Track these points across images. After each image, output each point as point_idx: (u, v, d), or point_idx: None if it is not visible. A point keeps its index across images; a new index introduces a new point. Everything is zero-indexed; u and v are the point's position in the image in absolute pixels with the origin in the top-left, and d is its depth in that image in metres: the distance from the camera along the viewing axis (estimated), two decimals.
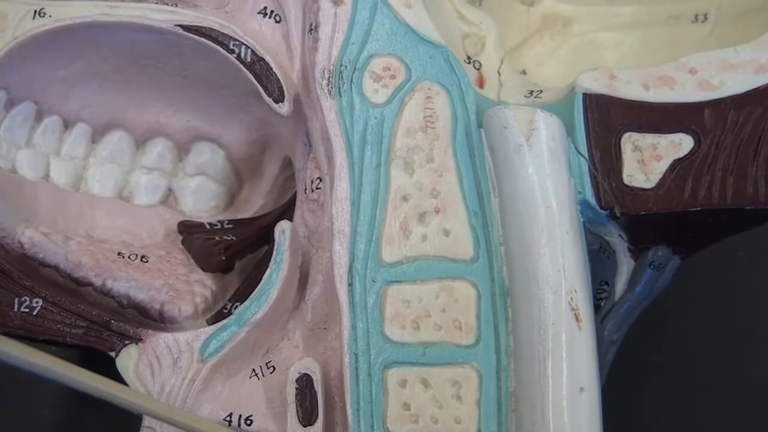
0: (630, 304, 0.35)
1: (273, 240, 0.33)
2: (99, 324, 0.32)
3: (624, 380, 0.34)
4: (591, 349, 0.30)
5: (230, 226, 0.37)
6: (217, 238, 0.36)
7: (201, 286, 0.34)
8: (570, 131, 0.32)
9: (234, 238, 0.36)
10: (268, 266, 0.32)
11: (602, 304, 0.35)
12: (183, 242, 0.36)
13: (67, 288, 0.33)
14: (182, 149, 0.39)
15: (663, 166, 0.32)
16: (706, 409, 0.41)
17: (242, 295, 0.33)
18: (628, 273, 0.35)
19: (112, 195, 0.37)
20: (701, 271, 0.42)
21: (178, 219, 0.37)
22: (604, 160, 0.32)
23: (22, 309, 0.32)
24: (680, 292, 0.40)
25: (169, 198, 0.38)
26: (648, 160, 0.32)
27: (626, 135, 0.32)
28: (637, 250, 0.34)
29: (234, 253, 0.36)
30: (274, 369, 0.32)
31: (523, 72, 0.39)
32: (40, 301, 0.32)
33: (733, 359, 0.42)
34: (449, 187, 0.32)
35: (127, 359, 0.32)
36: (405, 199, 0.32)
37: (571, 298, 0.30)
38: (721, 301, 0.43)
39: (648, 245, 0.34)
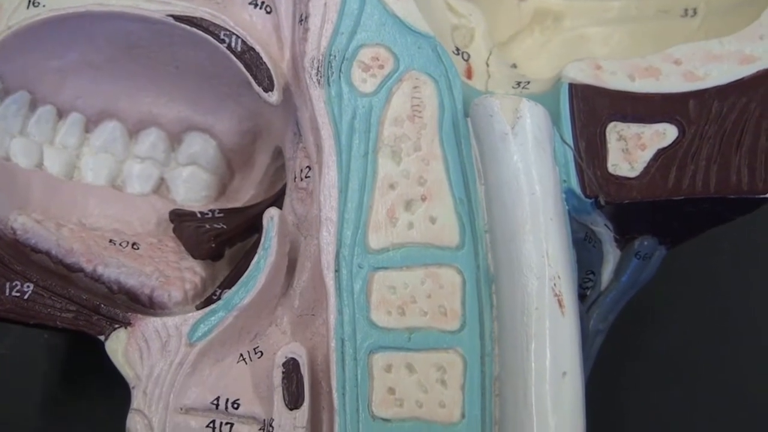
0: (616, 293, 0.35)
1: (261, 228, 0.33)
2: (89, 308, 0.32)
3: (608, 369, 0.35)
4: (574, 335, 0.30)
5: (221, 215, 0.37)
6: (207, 226, 0.36)
7: (191, 272, 0.34)
8: (556, 121, 0.32)
9: (224, 227, 0.36)
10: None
11: (588, 293, 0.35)
12: (174, 230, 0.36)
13: (59, 274, 0.34)
14: (174, 139, 0.39)
15: (647, 155, 0.32)
16: (688, 400, 0.42)
17: (231, 282, 0.33)
18: (615, 263, 0.35)
19: (105, 184, 0.38)
20: (685, 262, 0.42)
21: (170, 208, 0.38)
22: (589, 150, 0.32)
23: (14, 293, 0.32)
24: (664, 284, 0.40)
25: (161, 187, 0.39)
26: (632, 149, 0.32)
27: (611, 125, 0.32)
28: (623, 240, 0.34)
29: (224, 241, 0.36)
30: (262, 354, 0.33)
31: (514, 66, 0.39)
32: (31, 286, 0.32)
33: (714, 350, 0.42)
34: (436, 175, 0.32)
35: (116, 342, 0.32)
36: (392, 186, 0.32)
37: (555, 284, 0.30)
38: (704, 292, 0.44)
39: (634, 235, 0.34)
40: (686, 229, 0.35)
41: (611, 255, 0.35)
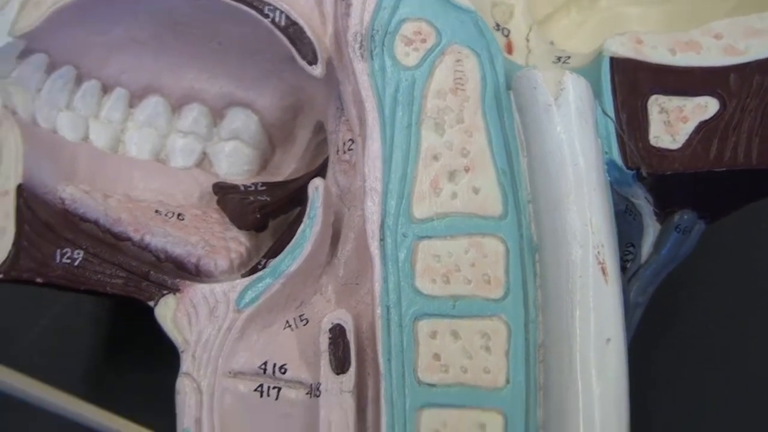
0: (655, 266, 0.35)
1: (305, 200, 0.34)
2: (138, 275, 0.33)
3: (647, 342, 0.35)
4: (617, 303, 0.30)
5: (264, 188, 0.37)
6: (251, 198, 0.37)
7: (236, 242, 0.35)
8: (597, 94, 0.33)
9: (268, 199, 0.37)
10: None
11: (628, 266, 0.35)
12: (218, 202, 0.37)
13: (107, 242, 0.34)
14: (217, 114, 0.40)
15: (689, 127, 0.32)
16: (724, 376, 0.42)
17: (276, 251, 0.34)
18: (654, 236, 0.35)
19: (149, 157, 0.38)
20: (725, 237, 0.42)
21: (213, 182, 0.38)
22: (631, 122, 0.32)
23: (64, 260, 0.33)
24: (703, 259, 0.41)
25: (203, 161, 0.39)
26: (674, 121, 0.32)
27: (653, 98, 0.33)
28: (662, 213, 0.35)
29: (268, 212, 0.37)
30: (307, 321, 0.33)
31: (551, 43, 0.40)
32: (81, 253, 0.33)
33: (752, 327, 0.43)
34: (479, 147, 0.33)
35: (165, 308, 0.33)
36: (435, 158, 0.33)
37: (598, 252, 0.30)
38: (743, 268, 0.44)
39: (674, 209, 0.35)
40: (726, 203, 0.35)
41: (651, 228, 0.35)
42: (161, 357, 0.34)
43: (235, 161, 0.39)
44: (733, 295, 0.43)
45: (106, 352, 0.43)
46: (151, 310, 0.33)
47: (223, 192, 0.37)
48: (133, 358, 0.42)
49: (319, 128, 0.39)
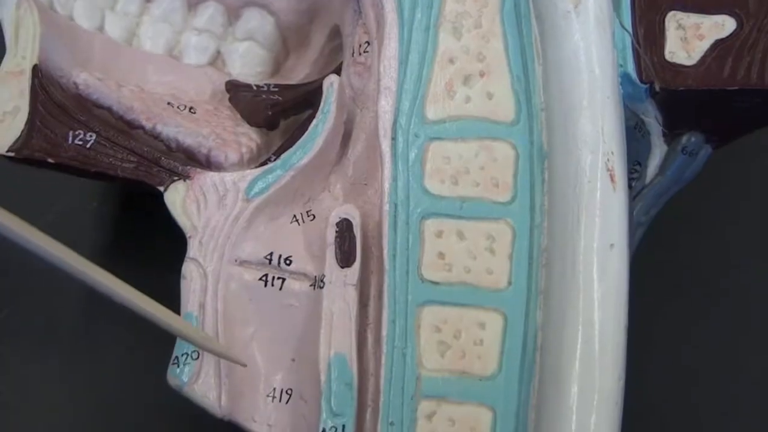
0: (660, 187, 0.36)
1: (317, 104, 0.34)
2: (149, 160, 0.33)
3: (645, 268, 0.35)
4: (623, 210, 0.31)
5: (276, 89, 0.38)
6: (264, 96, 0.37)
7: (247, 138, 0.35)
8: (616, 7, 0.33)
9: (280, 99, 0.37)
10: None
11: (633, 184, 0.36)
12: (230, 99, 0.37)
13: (119, 129, 0.34)
14: (233, 14, 0.39)
15: (705, 45, 0.32)
16: (722, 304, 0.42)
17: (286, 149, 0.34)
18: (661, 157, 0.35)
19: (163, 53, 0.38)
20: (730, 173, 0.43)
21: (225, 80, 0.38)
22: (648, 36, 0.33)
23: (77, 141, 0.33)
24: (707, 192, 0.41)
25: (217, 60, 0.39)
26: (690, 38, 0.32)
27: (671, 13, 0.33)
28: (671, 134, 0.35)
29: (279, 111, 0.37)
30: (314, 217, 0.33)
31: None
32: (94, 135, 0.33)
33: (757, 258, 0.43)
34: (495, 53, 0.33)
35: (174, 194, 0.33)
36: (451, 61, 0.33)
37: (608, 159, 0.31)
38: (746, 200, 0.44)
39: (682, 130, 0.35)
40: (735, 127, 0.35)
41: (658, 149, 0.35)
42: (164, 257, 0.34)
43: (248, 62, 0.39)
44: (735, 229, 0.44)
45: (109, 249, 0.43)
46: (159, 199, 0.34)
47: (236, 89, 0.37)
48: (136, 257, 0.42)
49: (335, 34, 0.39)
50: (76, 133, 0.33)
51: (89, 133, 0.33)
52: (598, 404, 0.29)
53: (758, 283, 0.42)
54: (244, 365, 0.31)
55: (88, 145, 0.33)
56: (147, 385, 0.39)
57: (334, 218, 0.32)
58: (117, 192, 0.44)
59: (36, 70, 0.34)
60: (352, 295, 0.31)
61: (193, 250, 0.32)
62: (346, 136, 0.34)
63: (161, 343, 0.33)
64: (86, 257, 0.43)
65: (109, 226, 0.44)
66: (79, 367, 0.41)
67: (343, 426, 0.30)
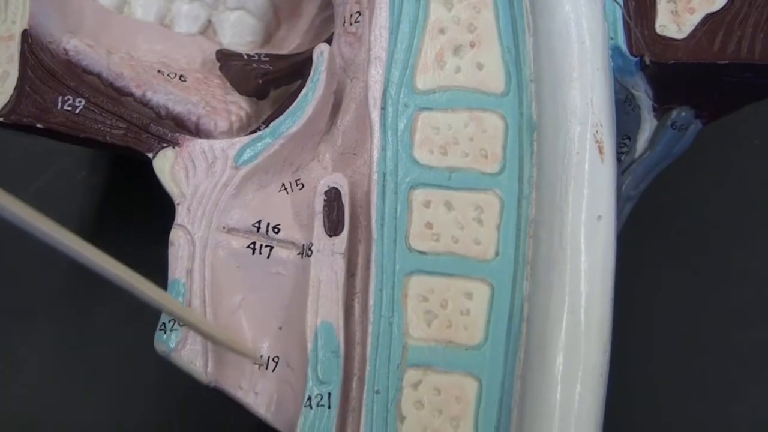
0: (649, 162, 0.36)
1: (307, 74, 0.34)
2: (138, 126, 0.33)
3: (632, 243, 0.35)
4: (611, 182, 0.31)
5: (267, 58, 0.37)
6: (254, 65, 0.37)
7: (236, 106, 0.35)
8: None
9: (271, 68, 0.37)
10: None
11: (623, 158, 0.36)
12: (221, 68, 0.37)
13: (109, 96, 0.34)
14: None
15: (695, 18, 0.32)
16: (704, 278, 0.43)
17: (276, 116, 0.34)
18: (650, 131, 0.35)
19: (154, 21, 0.38)
20: (714, 153, 0.43)
21: (216, 49, 0.38)
22: (639, 9, 0.32)
23: (65, 107, 0.33)
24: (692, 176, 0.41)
25: (208, 29, 0.39)
26: (681, 12, 0.32)
27: None
28: (661, 109, 0.35)
29: (270, 80, 0.37)
30: (303, 186, 0.33)
31: None
32: (83, 101, 0.33)
33: (735, 239, 0.43)
34: (486, 24, 0.33)
35: (163, 161, 0.33)
36: (442, 31, 0.33)
37: (597, 131, 0.31)
38: (735, 186, 0.44)
39: (672, 105, 0.35)
40: (725, 102, 0.35)
41: (648, 123, 0.35)
42: (152, 230, 0.34)
43: (239, 31, 0.39)
44: (717, 211, 0.44)
45: (97, 218, 0.43)
46: (148, 167, 0.34)
47: (226, 58, 0.37)
48: (124, 227, 0.42)
49: (326, 4, 0.39)
50: (65, 98, 0.33)
51: (78, 99, 0.33)
52: (584, 375, 0.29)
53: (744, 259, 0.43)
54: (233, 349, 0.31)
55: (77, 111, 0.33)
56: (139, 355, 0.39)
57: (322, 187, 0.32)
58: (105, 161, 0.44)
59: (26, 36, 0.34)
60: (340, 263, 0.31)
61: (181, 216, 0.32)
62: (335, 105, 0.34)
63: (151, 312, 0.33)
64: (75, 226, 0.43)
65: (98, 195, 0.44)
66: (69, 338, 0.41)
67: (329, 394, 0.30)
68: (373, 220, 0.31)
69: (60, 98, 0.33)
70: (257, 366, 0.32)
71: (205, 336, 0.30)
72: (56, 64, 0.34)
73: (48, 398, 0.40)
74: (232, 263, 0.32)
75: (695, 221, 0.43)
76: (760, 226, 0.43)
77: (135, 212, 0.41)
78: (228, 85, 0.36)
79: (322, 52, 0.33)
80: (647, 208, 0.36)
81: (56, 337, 0.41)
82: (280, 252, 0.32)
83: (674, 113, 0.35)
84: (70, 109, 0.33)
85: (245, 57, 0.37)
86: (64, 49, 0.34)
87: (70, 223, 0.43)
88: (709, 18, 0.32)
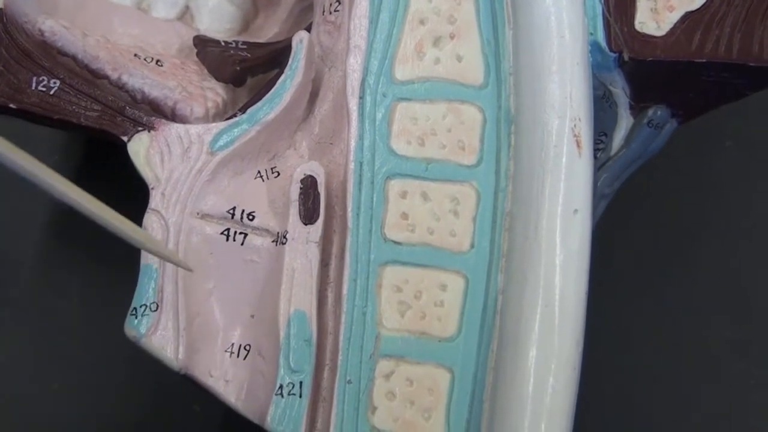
0: (625, 159, 0.36)
1: (285, 63, 0.33)
2: (114, 109, 0.33)
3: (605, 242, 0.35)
4: (588, 176, 0.31)
5: (244, 46, 0.37)
6: (232, 52, 0.36)
7: (213, 92, 0.35)
8: None
9: (248, 55, 0.36)
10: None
11: (599, 155, 0.36)
12: (198, 54, 0.37)
13: (84, 78, 0.34)
14: None
15: (675, 16, 0.33)
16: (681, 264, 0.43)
17: (253, 103, 0.34)
18: (627, 129, 0.36)
19: (131, 4, 0.38)
20: (687, 157, 0.43)
21: (193, 35, 0.38)
22: (619, 6, 0.33)
23: (40, 87, 0.33)
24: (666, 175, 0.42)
25: (185, 15, 0.39)
26: (661, 9, 0.32)
27: None
28: (637, 107, 0.35)
29: (247, 67, 0.36)
30: (279, 174, 0.33)
31: None
32: (58, 82, 0.33)
33: (705, 240, 0.44)
34: (466, 16, 0.33)
35: (138, 144, 0.33)
36: (422, 22, 0.33)
37: (575, 125, 0.31)
38: (707, 187, 0.45)
39: (649, 103, 0.35)
40: (700, 102, 0.35)
41: (624, 120, 0.35)
42: (124, 209, 0.34)
43: (217, 17, 0.39)
44: (692, 213, 0.44)
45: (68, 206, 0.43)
46: (122, 152, 0.33)
47: (204, 44, 0.37)
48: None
49: None
50: (40, 79, 0.33)
51: (53, 80, 0.33)
52: (556, 368, 0.29)
53: (715, 261, 0.43)
54: (191, 270, 0.30)
55: (51, 92, 0.32)
56: (105, 347, 0.39)
57: (298, 175, 0.32)
58: (78, 146, 0.44)
59: (0, 15, 0.33)
60: (315, 252, 0.31)
61: (155, 201, 0.32)
62: (313, 94, 0.34)
63: (119, 295, 0.32)
64: (46, 212, 0.43)
65: (70, 180, 0.43)
66: (36, 332, 0.41)
67: (301, 383, 0.30)
68: (349, 210, 0.31)
69: (34, 78, 0.33)
70: (228, 353, 0.32)
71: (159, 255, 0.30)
72: (31, 45, 0.33)
73: (17, 391, 0.39)
74: (205, 249, 0.32)
75: (667, 221, 0.43)
76: (731, 227, 0.44)
77: (108, 197, 0.40)
78: (205, 71, 0.36)
79: (301, 40, 0.33)
80: (620, 207, 0.36)
81: (24, 331, 0.41)
82: (254, 239, 0.32)
83: (650, 111, 0.35)
84: (44, 89, 0.32)
85: (223, 44, 0.37)
86: (40, 30, 0.34)
87: (42, 209, 0.43)
88: (688, 16, 0.32)
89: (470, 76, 0.32)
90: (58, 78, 0.33)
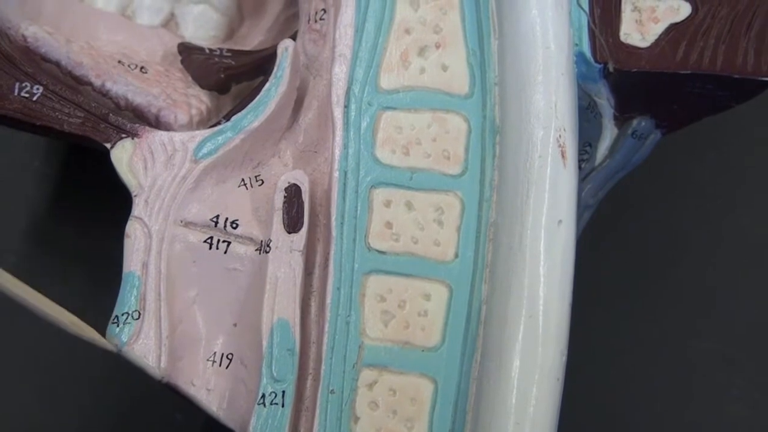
0: (609, 170, 0.36)
1: (270, 71, 0.33)
2: (97, 115, 0.32)
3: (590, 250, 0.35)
4: (573, 187, 0.31)
5: (229, 54, 0.37)
6: (217, 59, 0.36)
7: (197, 100, 0.34)
8: None
9: (233, 63, 0.36)
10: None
11: (583, 166, 0.36)
12: (182, 61, 0.36)
13: (67, 84, 0.34)
14: None
15: (659, 28, 0.33)
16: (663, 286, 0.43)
17: (238, 111, 0.33)
18: (611, 140, 0.36)
19: (115, 11, 0.38)
20: (669, 168, 0.43)
21: (177, 42, 0.38)
22: (604, 17, 0.33)
23: (23, 94, 0.32)
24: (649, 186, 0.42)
25: (170, 22, 0.39)
26: (646, 21, 0.33)
27: None
28: (622, 118, 0.35)
29: (232, 75, 0.36)
30: (263, 182, 0.33)
31: None
32: (41, 89, 0.32)
33: (688, 251, 0.44)
34: (452, 25, 0.33)
35: (121, 152, 0.32)
36: (408, 31, 0.33)
37: (560, 136, 0.31)
38: (689, 197, 0.45)
39: (633, 114, 0.35)
40: (684, 113, 0.35)
41: (609, 131, 0.36)
42: (106, 217, 0.34)
43: (202, 25, 0.39)
44: (674, 222, 0.44)
45: (50, 209, 0.43)
46: (104, 159, 0.33)
47: (188, 52, 0.37)
48: (77, 217, 0.42)
49: (290, 2, 0.39)
50: (23, 85, 0.32)
51: (36, 86, 0.32)
52: (540, 379, 0.29)
53: (697, 271, 0.43)
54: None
55: (34, 98, 0.32)
56: (86, 345, 0.39)
57: (282, 183, 0.31)
58: (60, 151, 0.43)
59: None
60: (298, 260, 0.31)
61: (138, 208, 0.32)
62: (298, 103, 0.34)
63: (101, 303, 0.32)
64: (28, 217, 0.42)
65: (52, 186, 0.43)
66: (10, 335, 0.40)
67: (283, 392, 0.30)
68: (333, 218, 0.31)
69: (17, 84, 0.32)
70: (210, 362, 0.31)
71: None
72: (14, 50, 0.33)
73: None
74: (188, 257, 0.32)
75: (649, 232, 0.44)
76: (713, 238, 0.44)
77: (90, 204, 0.40)
78: (189, 78, 0.36)
79: (286, 48, 0.33)
80: (603, 217, 0.37)
81: (4, 338, 0.40)
82: (237, 248, 0.32)
83: (635, 122, 0.35)
84: (27, 96, 0.32)
85: (207, 51, 0.37)
86: (23, 36, 0.34)
87: (23, 215, 0.43)
88: (672, 28, 0.33)
89: (455, 85, 0.32)
90: (41, 84, 0.32)
